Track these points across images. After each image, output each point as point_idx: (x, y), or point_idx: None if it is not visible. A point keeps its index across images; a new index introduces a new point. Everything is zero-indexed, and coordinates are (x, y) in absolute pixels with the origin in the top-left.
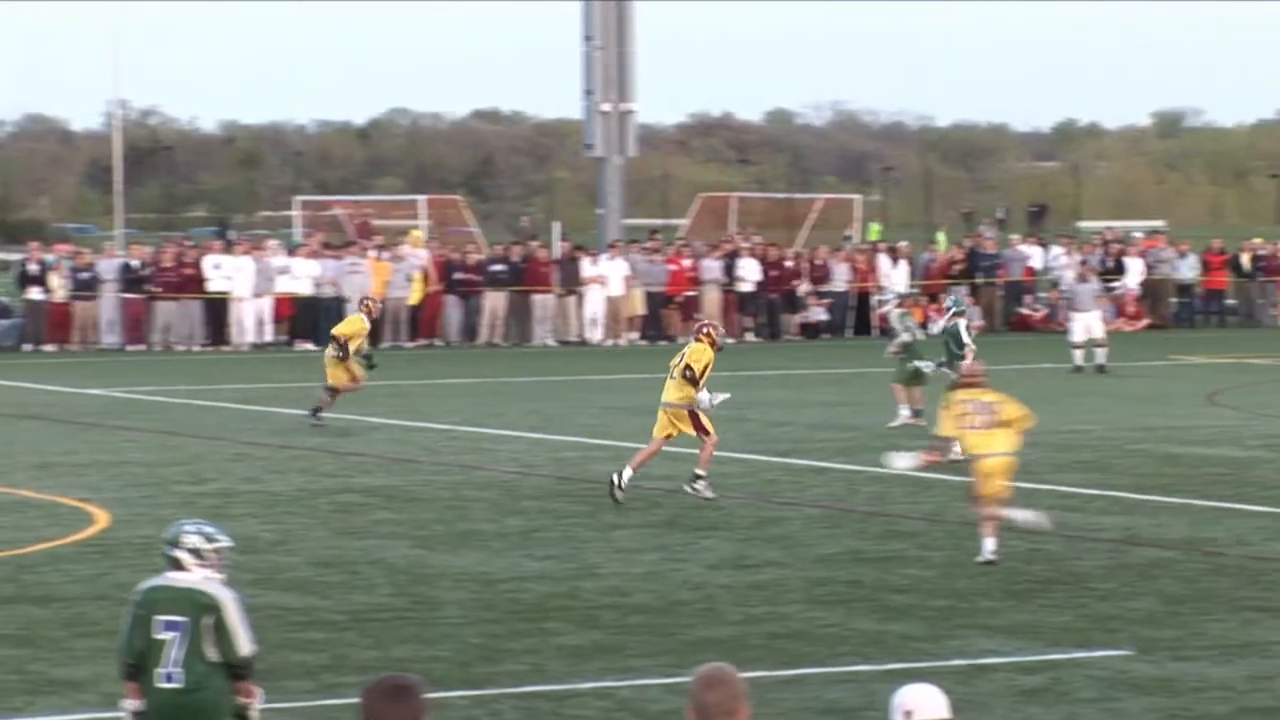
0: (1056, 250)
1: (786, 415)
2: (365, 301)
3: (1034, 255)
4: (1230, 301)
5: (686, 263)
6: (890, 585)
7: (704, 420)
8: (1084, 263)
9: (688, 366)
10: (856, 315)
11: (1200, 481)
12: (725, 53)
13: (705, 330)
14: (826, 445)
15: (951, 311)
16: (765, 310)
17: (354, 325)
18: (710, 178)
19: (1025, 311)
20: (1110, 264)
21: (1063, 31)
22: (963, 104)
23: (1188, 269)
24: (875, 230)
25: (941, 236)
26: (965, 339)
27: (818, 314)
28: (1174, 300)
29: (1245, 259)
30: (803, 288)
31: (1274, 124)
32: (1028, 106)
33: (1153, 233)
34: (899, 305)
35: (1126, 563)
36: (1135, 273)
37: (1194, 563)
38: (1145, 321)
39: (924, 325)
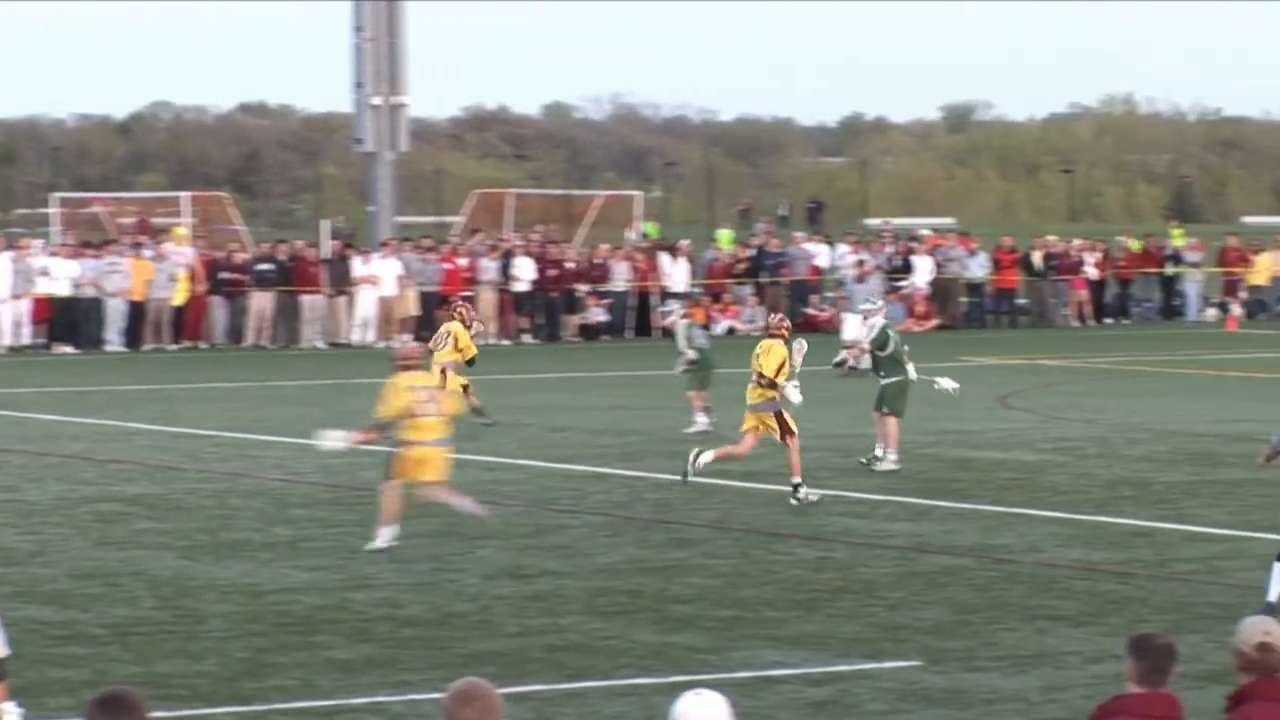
0: (843, 248)
1: (566, 420)
2: (457, 308)
3: (820, 253)
4: (1021, 301)
5: (462, 262)
6: (673, 595)
7: (789, 420)
8: (862, 262)
9: (759, 373)
10: (637, 316)
11: (991, 486)
12: (500, 44)
13: (782, 326)
14: (607, 450)
15: (866, 310)
16: (543, 311)
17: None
18: (485, 173)
19: (811, 311)
20: (899, 262)
21: (849, 24)
22: (747, 98)
23: (978, 267)
24: (652, 229)
25: (724, 234)
26: (890, 343)
27: (597, 315)
28: (964, 300)
29: (1037, 257)
30: (582, 288)
31: (1065, 118)
32: (813, 100)
33: (942, 230)
34: (684, 315)
35: (916, 571)
36: (924, 271)
37: (985, 570)
38: (935, 322)
39: (706, 327)
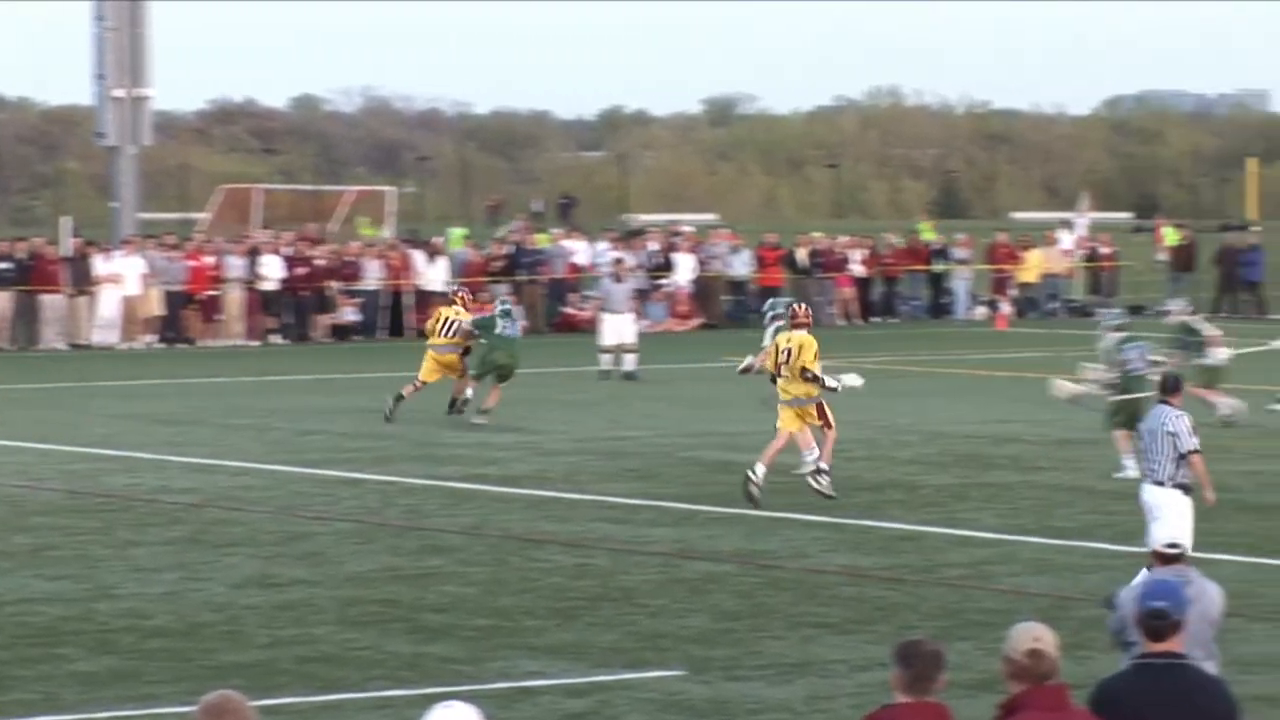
0: (603, 245)
1: (316, 423)
2: (458, 294)
3: (579, 251)
4: (786, 299)
5: (208, 260)
6: (427, 604)
7: (829, 412)
8: (619, 261)
9: (804, 368)
10: (390, 316)
11: None
12: (247, 36)
13: (807, 315)
14: (360, 455)
15: (770, 315)
16: (292, 310)
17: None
18: (232, 168)
19: (570, 311)
20: (660, 260)
21: (608, 15)
22: (503, 90)
23: (741, 265)
24: (367, 227)
25: (455, 233)
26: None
27: (349, 314)
28: (727, 298)
29: (801, 254)
30: (333, 286)
31: (830, 111)
32: (572, 93)
33: (705, 227)
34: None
35: (678, 577)
36: (686, 269)
37: (749, 576)
38: (697, 320)
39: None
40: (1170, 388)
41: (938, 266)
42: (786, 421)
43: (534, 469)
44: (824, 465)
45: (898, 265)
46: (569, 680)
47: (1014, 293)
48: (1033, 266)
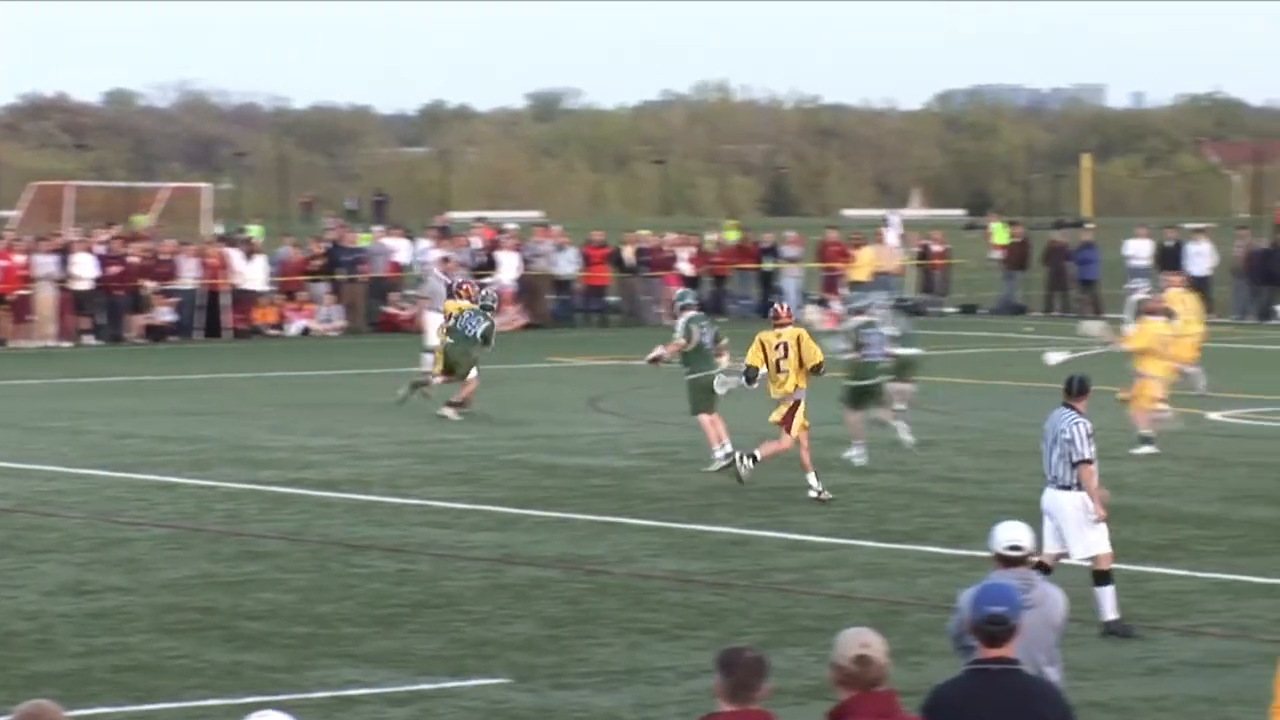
0: (425, 243)
1: (131, 426)
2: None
3: (400, 249)
4: (612, 298)
5: (18, 259)
6: (246, 611)
7: (797, 417)
8: (446, 259)
9: (819, 364)
10: (207, 316)
11: (581, 494)
12: (58, 29)
13: (787, 313)
14: (176, 458)
15: (681, 305)
16: (106, 310)
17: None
18: (43, 165)
19: (391, 310)
20: (484, 258)
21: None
22: (322, 85)
23: (567, 263)
24: (135, 221)
25: (254, 229)
26: (694, 337)
27: (164, 314)
28: (552, 297)
29: (628, 252)
30: (148, 285)
31: (657, 106)
32: (393, 87)
33: (530, 224)
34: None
35: (502, 583)
36: (510, 268)
37: (575, 582)
38: (522, 320)
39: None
40: (1076, 390)
41: (768, 265)
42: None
43: (354, 472)
44: (758, 454)
45: (727, 264)
46: (391, 689)
47: (845, 291)
48: (864, 264)
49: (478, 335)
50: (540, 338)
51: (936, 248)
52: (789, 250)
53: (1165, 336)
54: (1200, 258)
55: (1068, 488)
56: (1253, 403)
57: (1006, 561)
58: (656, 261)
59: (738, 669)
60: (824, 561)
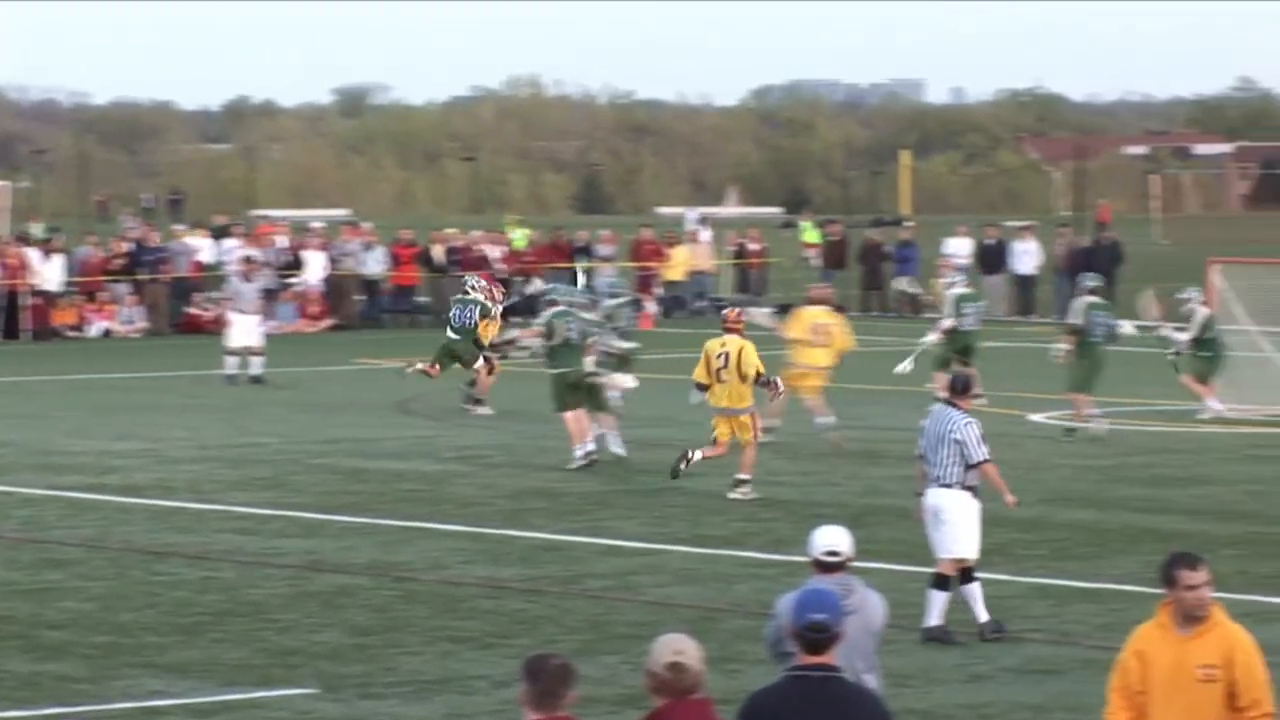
0: (231, 243)
1: None
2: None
3: (204, 248)
4: (422, 299)
5: None
6: (45, 620)
7: (758, 422)
8: (249, 259)
9: (758, 373)
10: (6, 317)
11: (391, 499)
12: None
13: (740, 320)
14: None
15: (546, 299)
16: None
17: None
18: None
19: (195, 311)
20: (289, 258)
21: (227, 2)
22: (123, 80)
23: (375, 263)
24: None
25: (37, 229)
26: (557, 332)
27: None
28: (360, 298)
29: (437, 251)
30: None
31: (467, 102)
32: (196, 83)
33: (337, 222)
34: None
35: (309, 591)
36: (317, 267)
37: (384, 589)
38: (329, 321)
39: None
40: (960, 389)
41: (580, 264)
42: (723, 432)
43: (157, 478)
44: (745, 476)
45: (539, 263)
46: (195, 699)
47: (660, 291)
48: (679, 263)
49: (475, 322)
50: (348, 339)
51: (753, 246)
52: (603, 249)
53: (823, 325)
54: (1027, 256)
55: (950, 485)
56: (1073, 404)
57: (824, 567)
58: (467, 261)
59: (543, 676)
60: (639, 567)
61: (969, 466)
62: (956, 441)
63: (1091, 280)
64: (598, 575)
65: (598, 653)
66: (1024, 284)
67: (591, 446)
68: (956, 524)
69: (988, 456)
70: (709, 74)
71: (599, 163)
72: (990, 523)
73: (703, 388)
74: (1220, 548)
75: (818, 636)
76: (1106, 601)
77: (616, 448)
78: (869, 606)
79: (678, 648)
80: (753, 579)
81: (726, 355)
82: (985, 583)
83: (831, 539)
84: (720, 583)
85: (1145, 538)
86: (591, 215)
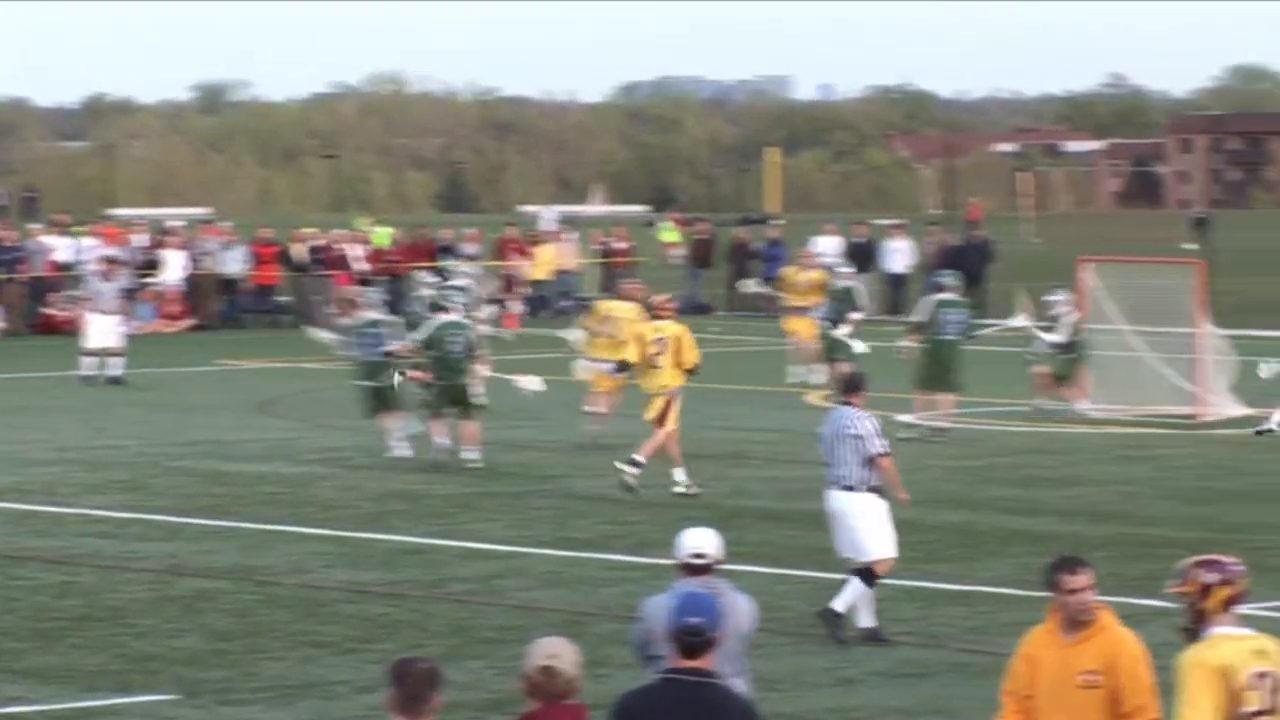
0: (90, 242)
1: None
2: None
3: (60, 247)
4: (283, 298)
5: None
6: None
7: (673, 410)
8: (109, 259)
9: (695, 364)
10: None
11: (252, 502)
12: None
13: (666, 304)
14: None
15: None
16: None
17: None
18: None
19: (51, 311)
20: (148, 257)
21: None
22: None
23: (234, 262)
24: None
25: None
26: (438, 344)
27: None
28: (220, 297)
29: (298, 250)
30: None
31: (328, 99)
32: (52, 79)
33: (197, 220)
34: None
35: (169, 595)
36: (176, 267)
37: (245, 594)
38: (189, 321)
39: None
40: (851, 387)
41: (444, 263)
42: (656, 407)
43: (13, 481)
44: (639, 457)
45: (403, 262)
46: (54, 705)
47: (525, 290)
48: (544, 263)
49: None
50: (208, 339)
51: (618, 245)
52: (467, 248)
53: (614, 321)
54: (898, 254)
55: (853, 488)
56: (920, 404)
57: (692, 569)
58: (328, 260)
59: (409, 680)
60: (504, 571)
61: (868, 460)
62: (854, 437)
63: (948, 278)
64: (461, 579)
65: (462, 657)
66: (895, 282)
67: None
68: (868, 526)
69: (887, 450)
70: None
71: (463, 160)
72: None
73: (623, 366)
74: (1092, 549)
75: (694, 640)
76: (976, 604)
77: (470, 454)
78: (737, 610)
79: (552, 651)
80: (619, 582)
81: (664, 340)
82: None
83: (699, 541)
84: (586, 586)
85: (1016, 540)
86: (456, 214)
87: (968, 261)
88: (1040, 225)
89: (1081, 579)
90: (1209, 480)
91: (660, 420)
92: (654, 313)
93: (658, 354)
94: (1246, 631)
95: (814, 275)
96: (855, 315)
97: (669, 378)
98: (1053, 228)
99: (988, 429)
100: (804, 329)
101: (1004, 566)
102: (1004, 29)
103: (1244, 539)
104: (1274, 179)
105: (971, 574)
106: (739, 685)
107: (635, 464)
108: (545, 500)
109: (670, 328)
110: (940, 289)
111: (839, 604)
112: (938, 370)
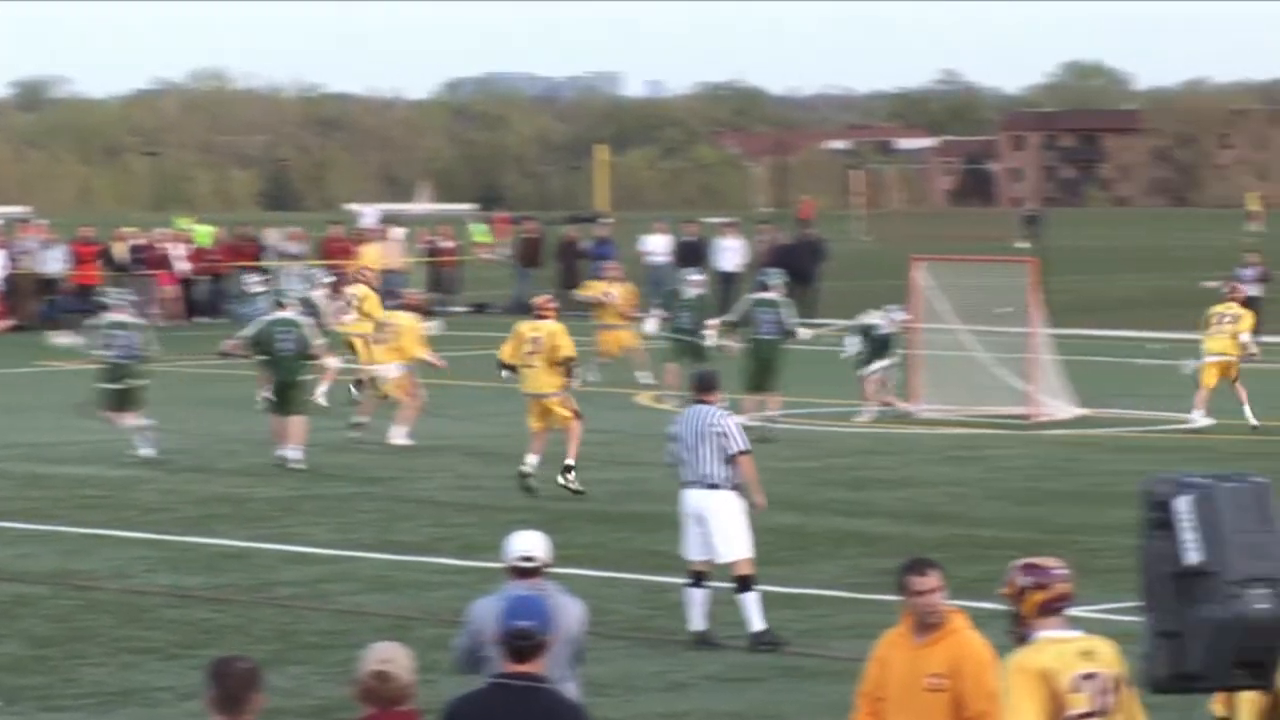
0: None
1: None
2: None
3: None
4: (104, 299)
5: None
6: None
7: (575, 403)
8: None
9: (567, 357)
10: None
11: (71, 505)
12: None
13: (547, 303)
14: None
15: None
16: None
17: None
18: None
19: None
20: None
21: None
22: None
23: (54, 261)
24: None
25: None
26: (263, 337)
27: None
28: (40, 297)
29: (119, 249)
30: None
31: (150, 96)
32: None
33: (16, 219)
34: None
35: None
36: None
37: (65, 599)
38: (8, 322)
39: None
40: (707, 385)
41: (269, 263)
42: (538, 418)
43: None
44: (571, 462)
45: (225, 262)
46: None
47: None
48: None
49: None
50: (29, 340)
51: (444, 244)
52: (291, 247)
53: (393, 327)
54: (730, 253)
55: (717, 486)
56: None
57: (520, 572)
58: (150, 259)
59: (228, 680)
60: (329, 575)
61: (730, 458)
62: (718, 434)
63: (772, 278)
64: (286, 583)
65: (286, 662)
66: (727, 281)
67: (292, 453)
68: (726, 527)
69: (749, 448)
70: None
71: (286, 158)
72: None
73: (506, 367)
74: (924, 551)
75: (523, 644)
76: (808, 607)
77: (293, 454)
78: (566, 614)
79: (385, 656)
80: (447, 586)
81: (538, 339)
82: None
83: (527, 544)
84: (413, 590)
85: (849, 541)
86: (280, 212)
87: (799, 260)
88: (872, 223)
89: (930, 580)
90: (1040, 481)
91: (575, 414)
92: (537, 313)
93: (532, 353)
94: (1074, 634)
95: (628, 286)
96: (713, 321)
97: (544, 378)
98: (885, 226)
99: (823, 430)
100: (625, 339)
101: (836, 569)
102: (835, 25)
103: (1076, 540)
104: (1108, 176)
105: (803, 577)
106: (569, 690)
107: (568, 470)
108: (371, 503)
109: (547, 326)
110: (763, 288)
111: (756, 623)
112: (758, 369)
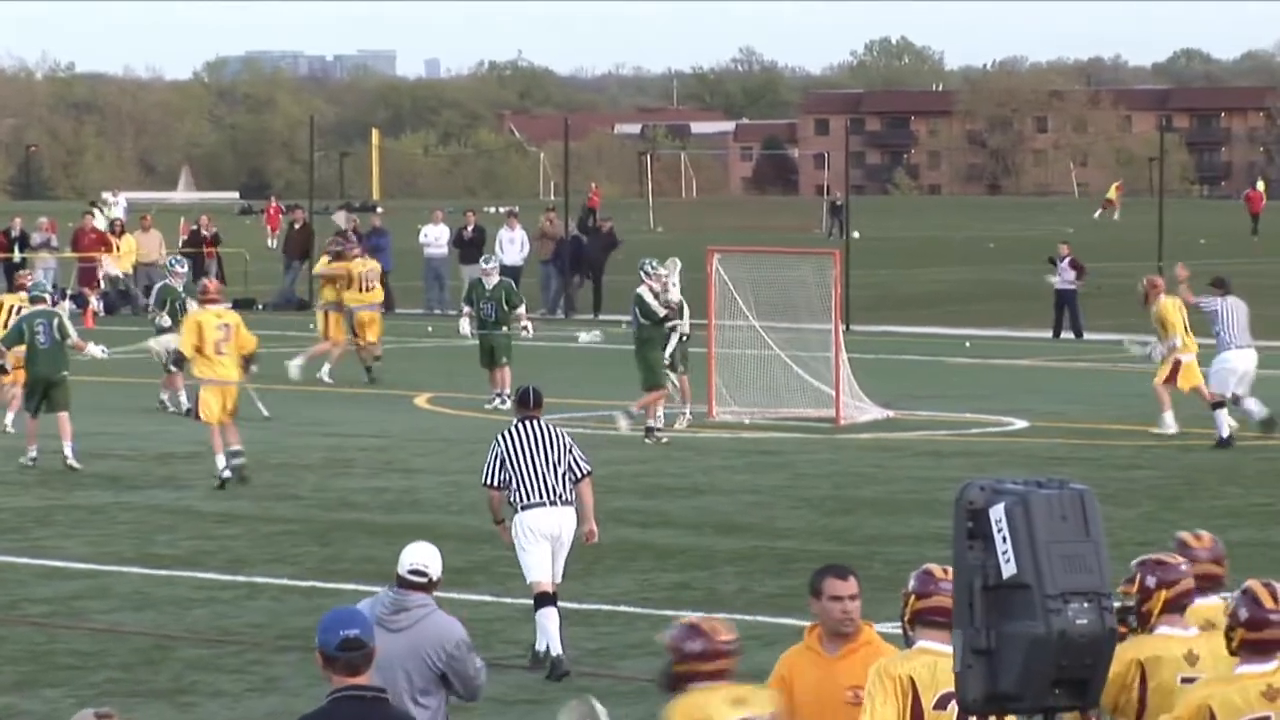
0: None
1: None
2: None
3: None
4: None
5: None
6: None
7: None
8: None
9: (251, 351)
10: None
11: None
12: None
13: (216, 289)
14: None
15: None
16: None
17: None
18: None
19: None
20: None
21: None
22: None
23: None
24: None
25: None
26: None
27: None
28: None
29: None
30: None
31: None
32: None
33: None
34: None
35: None
36: None
37: None
38: None
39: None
40: (534, 403)
41: (18, 255)
42: (211, 405)
43: None
44: (238, 447)
45: None
46: None
47: (104, 284)
48: (128, 254)
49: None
50: None
51: (208, 234)
52: (41, 238)
53: (227, 329)
54: (512, 245)
55: (570, 504)
56: (560, 407)
57: (409, 586)
58: None
59: None
60: (85, 591)
61: (578, 479)
62: (568, 450)
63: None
64: (38, 600)
65: (38, 685)
66: (510, 274)
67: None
68: (568, 545)
69: (592, 469)
70: (158, 45)
71: (35, 144)
72: (472, 539)
73: (180, 360)
74: (722, 563)
75: (354, 654)
76: (598, 624)
77: (71, 455)
78: (425, 628)
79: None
80: (211, 602)
81: (229, 327)
82: (466, 604)
83: (421, 556)
84: (174, 607)
85: (641, 554)
86: (29, 201)
87: (588, 251)
88: (665, 212)
89: (850, 586)
90: (846, 488)
91: (230, 413)
92: (205, 298)
93: (223, 340)
94: (721, 682)
95: (374, 265)
96: (520, 312)
97: (233, 368)
98: (679, 215)
99: (608, 434)
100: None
101: (627, 583)
102: (627, 2)
103: (882, 551)
104: (917, 163)
105: (592, 592)
106: (431, 704)
107: (236, 454)
108: (129, 514)
109: (231, 314)
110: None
111: (554, 647)
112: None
